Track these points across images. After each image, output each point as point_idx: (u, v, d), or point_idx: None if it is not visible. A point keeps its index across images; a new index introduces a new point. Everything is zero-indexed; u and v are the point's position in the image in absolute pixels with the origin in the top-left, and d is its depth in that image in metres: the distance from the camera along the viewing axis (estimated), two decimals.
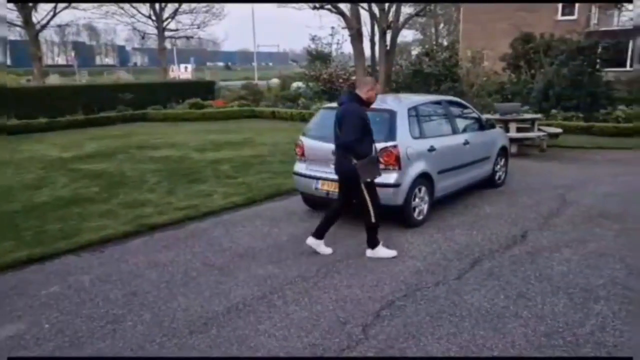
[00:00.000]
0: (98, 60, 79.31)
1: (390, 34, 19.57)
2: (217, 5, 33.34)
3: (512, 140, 9.64)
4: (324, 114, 6.69)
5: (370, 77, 5.28)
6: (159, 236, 5.86)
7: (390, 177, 5.61)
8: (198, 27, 33.94)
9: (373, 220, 4.98)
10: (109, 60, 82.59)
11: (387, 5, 19.20)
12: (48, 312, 4.06)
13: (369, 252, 5.07)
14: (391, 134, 5.71)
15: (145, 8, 30.06)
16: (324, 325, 3.75)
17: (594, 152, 10.74)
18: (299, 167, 6.44)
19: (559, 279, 4.46)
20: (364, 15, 20.08)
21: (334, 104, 7.33)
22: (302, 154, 6.38)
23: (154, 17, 30.04)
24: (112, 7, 29.59)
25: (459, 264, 4.84)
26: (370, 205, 4.95)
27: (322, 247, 5.17)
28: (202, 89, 22.15)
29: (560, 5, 22.02)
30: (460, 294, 4.20)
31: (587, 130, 12.80)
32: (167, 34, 31.41)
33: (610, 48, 17.14)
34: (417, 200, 5.93)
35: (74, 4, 26.70)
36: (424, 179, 6.01)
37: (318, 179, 6.06)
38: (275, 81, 26.30)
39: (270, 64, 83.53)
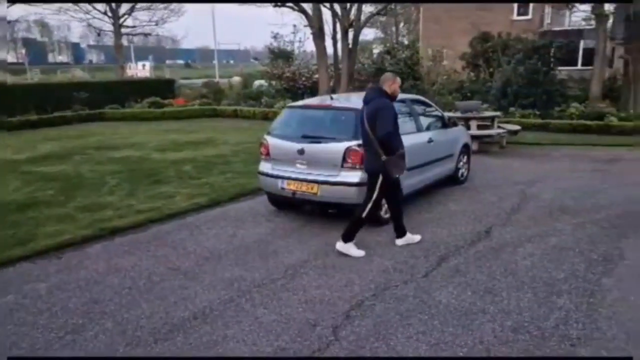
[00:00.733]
0: (51, 58, 76.11)
1: (352, 32, 19.67)
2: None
3: (473, 138, 9.86)
4: (289, 113, 6.63)
5: (390, 73, 5.45)
6: (120, 240, 5.66)
7: (355, 176, 5.60)
8: (156, 24, 33.02)
9: (364, 215, 5.02)
10: (62, 58, 79.43)
11: (348, 4, 19.28)
12: (2, 323, 3.84)
13: (339, 245, 5.06)
14: (356, 133, 5.70)
15: (101, 4, 29.10)
16: (294, 327, 3.70)
17: (551, 149, 11.08)
18: (264, 166, 6.35)
19: (523, 273, 4.55)
20: (326, 14, 20.12)
21: (299, 103, 7.32)
22: (267, 154, 6.29)
23: (110, 14, 29.08)
24: (66, 4, 28.51)
25: (425, 261, 4.87)
26: (372, 203, 5.00)
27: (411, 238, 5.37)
28: (162, 88, 21.70)
29: (515, 5, 22.61)
30: (429, 291, 4.23)
31: (543, 127, 13.23)
32: (124, 30, 30.39)
33: (563, 47, 17.77)
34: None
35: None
36: None
37: (284, 178, 6.00)
38: (236, 79, 25.94)
39: (232, 61, 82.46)
